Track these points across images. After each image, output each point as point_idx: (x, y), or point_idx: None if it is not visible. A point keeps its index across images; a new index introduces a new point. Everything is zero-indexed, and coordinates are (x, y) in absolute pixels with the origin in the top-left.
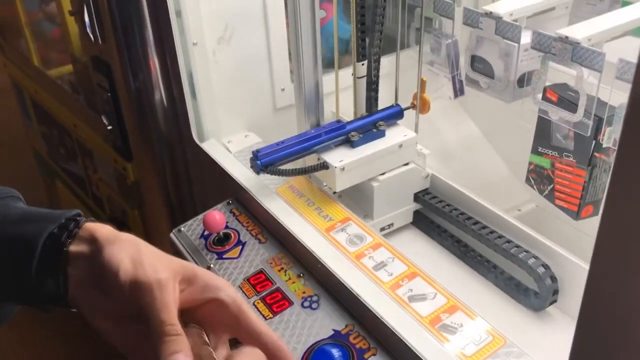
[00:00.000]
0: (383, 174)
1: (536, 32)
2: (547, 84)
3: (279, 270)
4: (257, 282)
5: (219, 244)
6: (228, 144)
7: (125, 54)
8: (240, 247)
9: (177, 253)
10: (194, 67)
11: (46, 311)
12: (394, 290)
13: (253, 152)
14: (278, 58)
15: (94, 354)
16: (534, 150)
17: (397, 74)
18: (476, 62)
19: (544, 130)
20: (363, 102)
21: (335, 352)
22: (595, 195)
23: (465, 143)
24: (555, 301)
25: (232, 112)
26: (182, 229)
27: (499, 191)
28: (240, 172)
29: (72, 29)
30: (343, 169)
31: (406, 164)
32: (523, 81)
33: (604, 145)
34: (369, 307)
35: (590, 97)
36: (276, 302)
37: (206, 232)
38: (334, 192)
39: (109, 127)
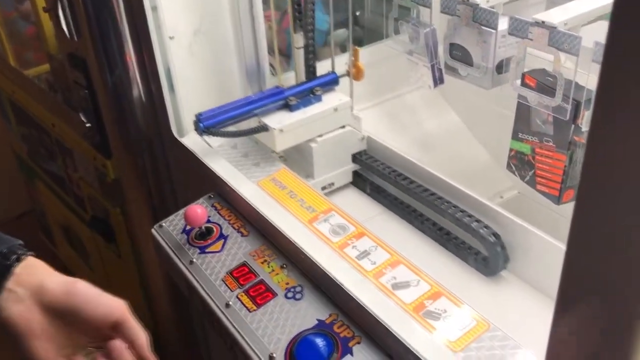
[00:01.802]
0: (321, 136)
1: (513, 18)
2: (525, 69)
3: (262, 263)
4: (240, 274)
5: (201, 239)
6: (208, 138)
7: (101, 49)
8: (223, 240)
9: (158, 249)
10: (171, 61)
11: None
12: (378, 279)
13: (196, 115)
14: None
15: None
16: (514, 137)
17: (332, 46)
18: (454, 49)
19: (523, 116)
20: (302, 70)
21: (320, 342)
22: (576, 179)
23: (446, 132)
24: (507, 259)
25: (211, 106)
26: (164, 224)
27: (481, 179)
28: (222, 166)
29: (47, 26)
30: (282, 130)
31: (343, 127)
32: (501, 67)
33: (583, 129)
34: (353, 296)
35: (568, 81)
36: (260, 294)
37: (188, 227)
38: (280, 157)
39: (87, 125)
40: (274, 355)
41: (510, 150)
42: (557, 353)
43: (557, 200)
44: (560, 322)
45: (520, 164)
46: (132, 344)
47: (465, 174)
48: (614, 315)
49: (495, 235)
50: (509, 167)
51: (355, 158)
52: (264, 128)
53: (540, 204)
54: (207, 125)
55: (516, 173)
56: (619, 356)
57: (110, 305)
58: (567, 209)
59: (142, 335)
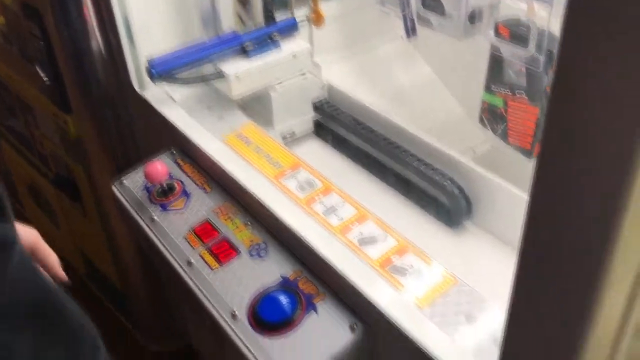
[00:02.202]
0: (280, 83)
1: None
2: (500, 19)
3: (226, 220)
4: (203, 232)
5: (162, 196)
6: (171, 91)
7: None
8: (185, 198)
9: (120, 207)
10: (129, 10)
11: None
12: (344, 234)
13: (148, 61)
14: None
15: None
16: (487, 89)
17: None
18: None
19: (496, 68)
20: (260, 15)
21: (283, 299)
22: None
23: (420, 85)
24: (469, 204)
25: None
26: (124, 181)
27: (454, 133)
28: (185, 121)
29: None
30: (238, 76)
31: (303, 75)
32: (474, 17)
33: None
34: (317, 252)
35: (541, 31)
36: (223, 252)
37: (149, 184)
38: (239, 105)
39: (45, 79)
40: (236, 313)
41: (483, 103)
42: (520, 306)
43: (529, 154)
44: (523, 274)
45: (492, 117)
46: (44, 265)
47: (437, 128)
48: (576, 268)
49: (452, 180)
50: (481, 120)
51: (317, 107)
52: (219, 74)
53: (514, 158)
54: (160, 71)
55: (488, 126)
56: (581, 308)
57: (24, 233)
58: None
59: (53, 256)
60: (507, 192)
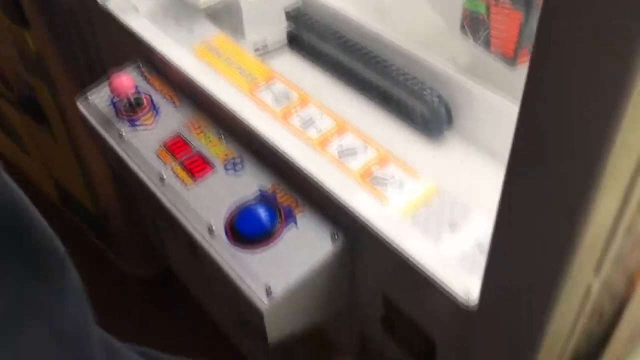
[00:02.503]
0: None
1: None
2: None
3: (198, 134)
4: (174, 146)
5: (130, 111)
6: (135, 2)
7: None
8: (154, 112)
9: (85, 124)
10: None
11: None
12: (324, 147)
13: None
14: None
15: None
16: None
17: None
18: None
19: None
20: None
21: (262, 212)
22: (531, 39)
23: None
24: (448, 112)
25: None
26: (90, 97)
27: (434, 45)
28: (150, 32)
29: None
30: None
31: None
32: None
33: None
34: (296, 164)
35: None
36: (197, 167)
37: (115, 99)
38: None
39: None
40: (213, 228)
41: (464, 10)
42: (509, 208)
43: (512, 61)
44: (512, 175)
45: (474, 24)
46: None
47: (418, 40)
48: (569, 167)
49: (431, 89)
50: (462, 28)
51: (290, 16)
52: None
53: (495, 68)
54: None
55: (470, 35)
56: (573, 210)
57: None
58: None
59: None
60: (489, 100)
